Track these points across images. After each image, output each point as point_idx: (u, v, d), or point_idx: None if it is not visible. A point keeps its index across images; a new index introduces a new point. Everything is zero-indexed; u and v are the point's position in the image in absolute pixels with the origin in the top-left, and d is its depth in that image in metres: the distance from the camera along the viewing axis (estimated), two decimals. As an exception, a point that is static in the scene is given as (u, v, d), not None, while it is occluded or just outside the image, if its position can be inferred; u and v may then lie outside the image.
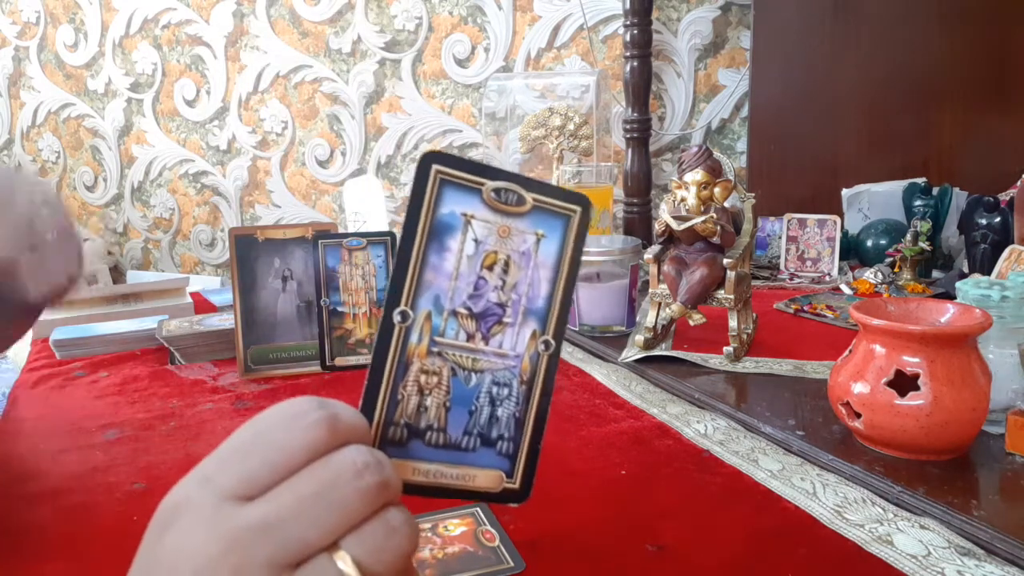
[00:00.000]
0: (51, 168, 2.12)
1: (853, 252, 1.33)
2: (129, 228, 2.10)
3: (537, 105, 1.52)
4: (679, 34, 1.59)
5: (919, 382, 0.57)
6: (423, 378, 0.34)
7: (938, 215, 1.23)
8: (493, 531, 0.52)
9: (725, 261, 0.83)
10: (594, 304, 0.97)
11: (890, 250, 1.21)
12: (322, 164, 1.89)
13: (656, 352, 0.87)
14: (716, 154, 0.88)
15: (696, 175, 0.83)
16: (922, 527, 0.52)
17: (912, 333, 0.58)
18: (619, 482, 0.60)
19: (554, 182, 1.20)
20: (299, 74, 1.85)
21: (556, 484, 0.59)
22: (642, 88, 1.50)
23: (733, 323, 0.84)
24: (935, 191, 1.26)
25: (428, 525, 0.53)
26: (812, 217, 1.27)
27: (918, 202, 1.26)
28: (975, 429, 0.59)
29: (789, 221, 1.28)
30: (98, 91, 2.02)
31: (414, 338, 0.34)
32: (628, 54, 1.49)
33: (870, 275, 1.16)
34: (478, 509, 0.55)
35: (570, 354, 0.93)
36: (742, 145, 1.59)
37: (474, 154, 1.73)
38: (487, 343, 0.35)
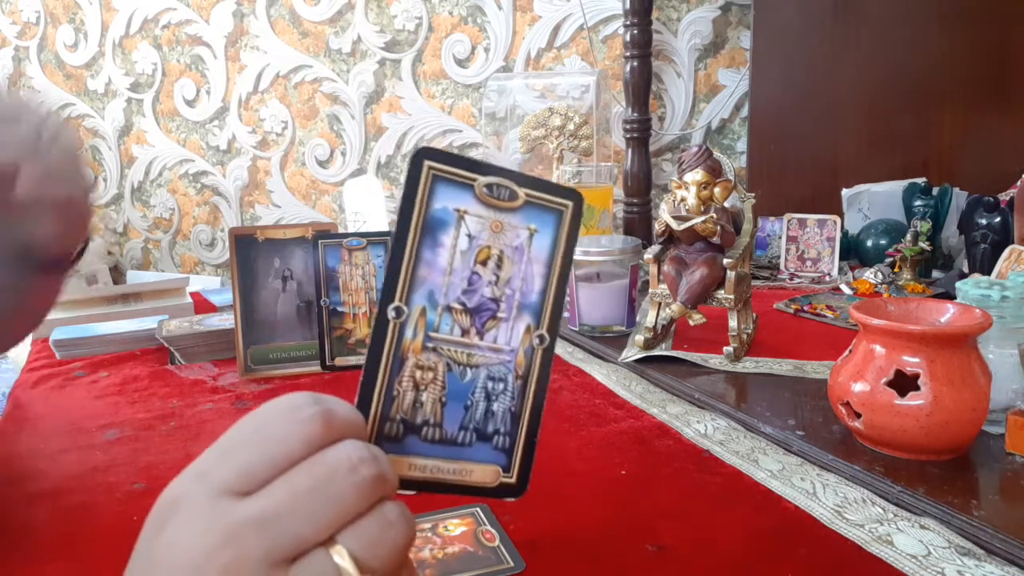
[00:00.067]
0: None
1: (853, 252, 1.33)
2: (129, 228, 2.10)
3: (537, 105, 1.52)
4: (679, 34, 1.59)
5: (919, 382, 0.57)
6: (418, 374, 0.34)
7: (938, 215, 1.23)
8: (493, 531, 0.52)
9: (725, 261, 0.83)
10: (594, 304, 0.97)
11: (890, 250, 1.21)
12: (322, 164, 1.89)
13: (656, 352, 0.87)
14: (716, 154, 0.88)
15: (696, 175, 0.83)
16: (922, 527, 0.52)
17: (912, 333, 0.58)
18: (619, 482, 0.60)
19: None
20: (299, 74, 1.85)
21: (556, 484, 0.59)
22: (642, 88, 1.50)
23: (733, 323, 0.84)
24: (935, 191, 1.26)
25: (428, 525, 0.53)
26: (812, 217, 1.27)
27: (918, 202, 1.26)
28: (975, 429, 0.59)
29: (789, 221, 1.28)
30: (98, 91, 2.02)
31: (409, 334, 0.34)
32: (628, 54, 1.49)
33: (870, 275, 1.16)
34: (478, 509, 0.55)
35: (570, 354, 0.93)
36: (742, 145, 1.59)
37: (474, 154, 1.73)
38: (482, 338, 0.35)
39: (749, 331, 0.90)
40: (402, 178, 1.92)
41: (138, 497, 0.60)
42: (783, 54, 1.47)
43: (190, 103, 1.95)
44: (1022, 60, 1.31)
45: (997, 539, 0.49)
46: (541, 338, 0.36)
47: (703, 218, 0.83)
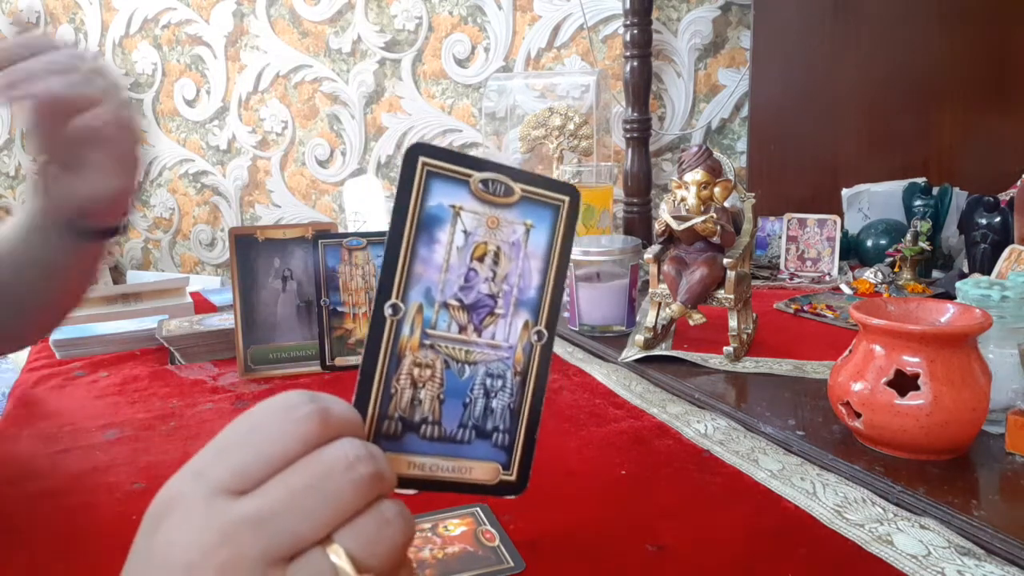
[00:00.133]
0: (51, 168, 2.12)
1: (853, 252, 1.33)
2: (129, 228, 2.10)
3: (537, 105, 1.52)
4: (679, 34, 1.59)
5: (919, 382, 0.57)
6: (416, 371, 0.34)
7: (938, 215, 1.23)
8: (493, 531, 0.52)
9: (725, 261, 0.83)
10: (594, 304, 0.97)
11: (890, 250, 1.21)
12: (322, 164, 1.89)
13: (656, 352, 0.87)
14: (716, 154, 0.88)
15: (696, 175, 0.83)
16: (922, 527, 0.52)
17: (912, 333, 0.58)
18: (619, 482, 0.60)
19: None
20: (299, 74, 1.85)
21: (556, 484, 0.59)
22: (642, 88, 1.50)
23: (733, 323, 0.84)
24: (935, 191, 1.26)
25: (428, 525, 0.53)
26: (812, 217, 1.27)
27: (918, 202, 1.26)
28: (975, 429, 0.59)
29: (789, 221, 1.28)
30: (98, 91, 2.02)
31: (406, 331, 0.33)
32: (628, 54, 1.49)
33: (870, 275, 1.16)
34: (478, 509, 0.55)
35: (570, 354, 0.93)
36: (742, 145, 1.59)
37: (474, 154, 1.73)
38: (480, 335, 0.35)
39: (749, 331, 0.90)
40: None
41: (138, 497, 0.60)
42: (783, 54, 1.47)
43: (190, 103, 1.95)
44: (1022, 60, 1.31)
45: (997, 539, 0.49)
46: (539, 334, 0.35)
47: (703, 218, 0.83)
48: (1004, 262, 0.91)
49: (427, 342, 0.34)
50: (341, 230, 0.90)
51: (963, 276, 0.87)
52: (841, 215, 1.30)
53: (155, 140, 2.01)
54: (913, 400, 0.57)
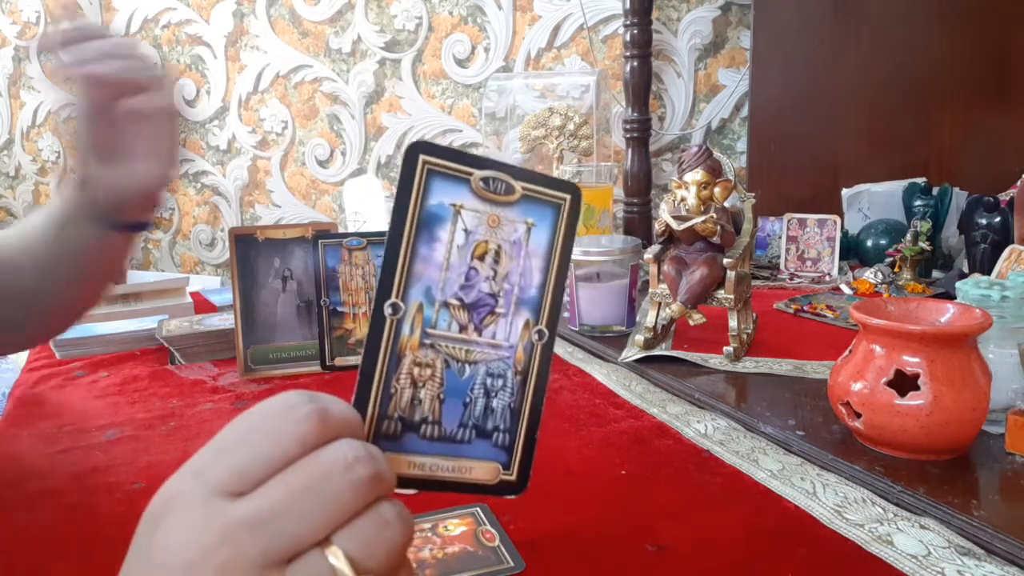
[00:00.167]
0: (51, 168, 2.12)
1: (853, 252, 1.33)
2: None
3: (537, 105, 1.52)
4: (679, 34, 1.59)
5: (919, 382, 0.57)
6: (416, 371, 0.33)
7: (938, 215, 1.23)
8: (493, 531, 0.52)
9: (725, 261, 0.83)
10: (594, 304, 0.97)
11: (890, 250, 1.21)
12: (322, 164, 1.89)
13: (656, 352, 0.87)
14: (716, 154, 0.88)
15: (696, 175, 0.83)
16: (922, 527, 0.52)
17: (912, 333, 0.58)
18: (619, 482, 0.60)
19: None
20: (299, 74, 1.85)
21: (556, 484, 0.59)
22: (642, 88, 1.50)
23: (733, 323, 0.84)
24: (935, 191, 1.26)
25: (428, 525, 0.53)
26: (812, 217, 1.27)
27: (918, 202, 1.26)
28: (975, 429, 0.59)
29: (789, 221, 1.28)
30: (98, 91, 2.02)
31: (406, 330, 0.33)
32: (628, 54, 1.49)
33: (870, 275, 1.16)
34: (478, 509, 0.55)
35: (570, 354, 0.93)
36: (742, 145, 1.59)
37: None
38: (480, 334, 0.34)
39: (749, 331, 0.90)
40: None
41: (138, 497, 0.60)
42: (783, 54, 1.47)
43: (190, 103, 1.95)
44: (1022, 60, 1.31)
45: (997, 539, 0.49)
46: (540, 333, 0.35)
47: (703, 218, 0.83)
48: (1004, 262, 0.91)
49: (427, 341, 0.33)
50: (341, 230, 0.90)
51: (963, 276, 0.87)
52: (841, 215, 1.30)
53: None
54: (913, 400, 0.57)
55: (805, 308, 1.04)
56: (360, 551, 0.27)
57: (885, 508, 0.54)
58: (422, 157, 0.33)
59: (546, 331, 0.35)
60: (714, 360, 0.84)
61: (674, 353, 0.86)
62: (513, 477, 0.35)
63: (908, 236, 1.17)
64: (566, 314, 1.01)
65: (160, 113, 0.58)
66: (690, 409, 0.74)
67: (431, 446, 0.34)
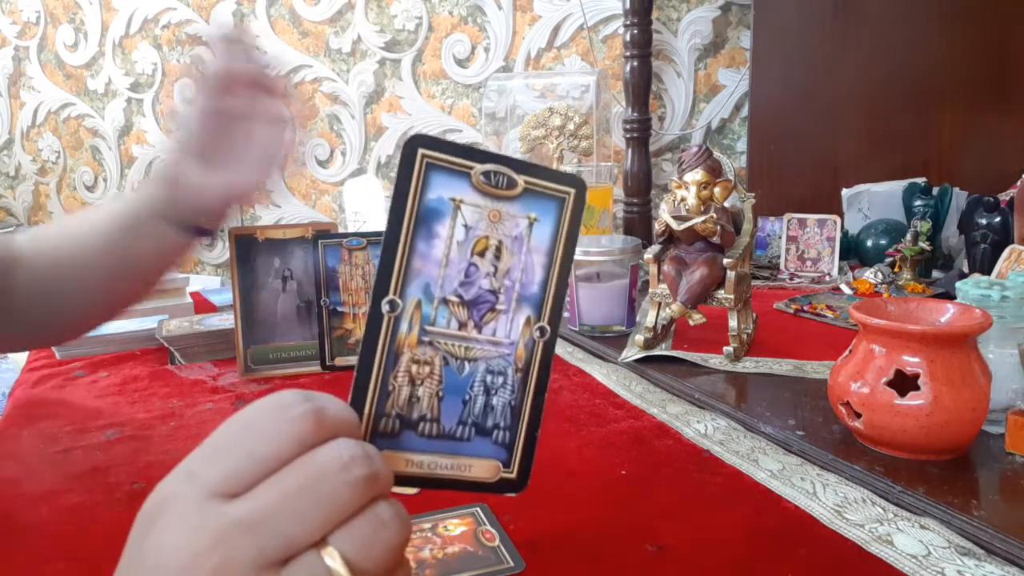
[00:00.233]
0: (51, 168, 2.12)
1: (853, 252, 1.33)
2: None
3: (537, 105, 1.52)
4: (679, 34, 1.59)
5: (919, 382, 0.57)
6: (414, 368, 0.33)
7: (938, 215, 1.23)
8: (493, 531, 0.52)
9: (725, 261, 0.83)
10: (594, 304, 0.97)
11: (890, 250, 1.21)
12: (322, 164, 1.89)
13: (656, 352, 0.87)
14: (716, 154, 0.88)
15: (696, 175, 0.83)
16: (922, 527, 0.52)
17: (912, 333, 0.58)
18: (619, 482, 0.60)
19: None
20: (299, 74, 1.85)
21: (556, 484, 0.59)
22: (642, 88, 1.50)
23: (733, 323, 0.84)
24: (935, 191, 1.26)
25: (428, 525, 0.53)
26: (812, 217, 1.27)
27: (918, 202, 1.26)
28: (975, 429, 0.59)
29: (789, 221, 1.28)
30: (98, 91, 2.02)
31: (404, 328, 0.33)
32: (628, 54, 1.49)
33: (870, 275, 1.16)
34: (478, 509, 0.55)
35: (570, 354, 0.93)
36: (742, 145, 1.59)
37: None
38: (480, 331, 0.34)
39: (749, 331, 0.90)
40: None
41: (138, 497, 0.59)
42: (783, 54, 1.47)
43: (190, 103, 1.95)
44: (1022, 60, 1.31)
45: (997, 539, 0.49)
46: (542, 330, 0.35)
47: (703, 218, 0.83)
48: (1004, 262, 0.91)
49: (425, 339, 0.33)
50: (341, 230, 0.90)
51: (963, 276, 0.87)
52: (841, 215, 1.30)
53: (155, 140, 2.01)
54: (913, 400, 0.57)
55: (805, 308, 1.04)
56: (357, 552, 0.27)
57: (885, 508, 0.54)
58: (421, 151, 0.32)
59: (548, 328, 0.35)
60: (714, 360, 0.84)
61: (674, 353, 0.86)
62: (513, 475, 0.35)
63: (908, 236, 1.17)
64: (566, 314, 1.01)
65: (276, 123, 0.59)
66: (690, 409, 0.74)
67: (429, 444, 0.33)
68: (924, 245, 1.16)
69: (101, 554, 0.52)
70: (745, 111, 1.57)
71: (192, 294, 1.21)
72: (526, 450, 0.35)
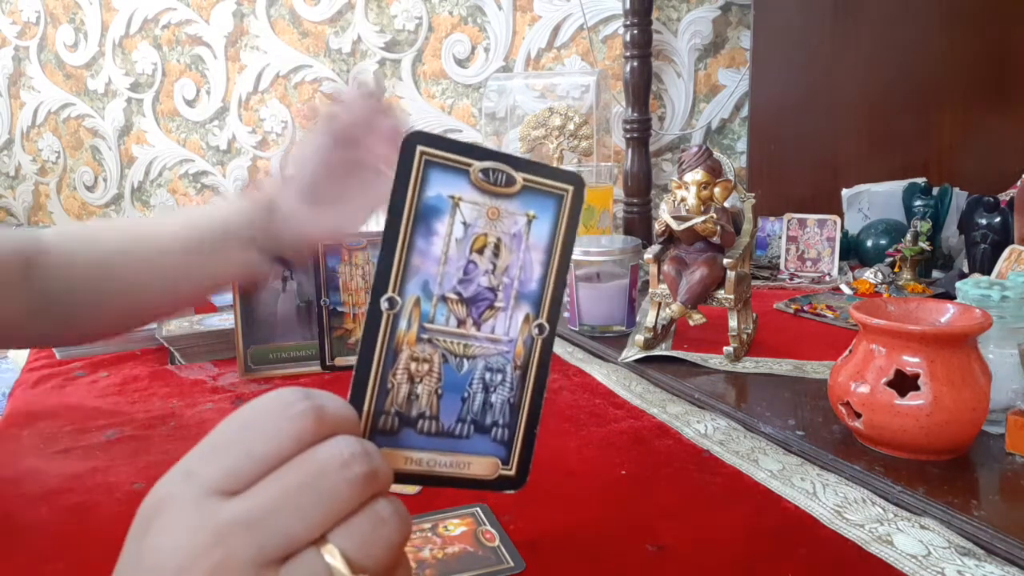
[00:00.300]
0: (51, 168, 2.12)
1: (853, 252, 1.33)
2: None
3: (537, 105, 1.52)
4: (679, 34, 1.59)
5: (919, 382, 0.57)
6: (413, 366, 0.33)
7: (938, 215, 1.23)
8: (493, 531, 0.52)
9: (725, 261, 0.83)
10: (594, 304, 0.97)
11: (890, 250, 1.21)
12: (322, 164, 1.89)
13: (656, 352, 0.87)
14: (716, 154, 0.88)
15: (696, 175, 0.83)
16: (922, 527, 0.52)
17: (912, 333, 0.58)
18: (619, 482, 0.60)
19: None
20: (299, 74, 1.85)
21: (556, 484, 0.59)
22: (642, 88, 1.50)
23: (733, 323, 0.84)
24: (935, 191, 1.26)
25: (428, 525, 0.53)
26: (812, 217, 1.27)
27: (918, 202, 1.26)
28: (975, 429, 0.59)
29: (789, 221, 1.28)
30: (98, 91, 2.02)
31: (403, 325, 0.33)
32: (628, 54, 1.49)
33: (870, 275, 1.16)
34: (478, 509, 0.55)
35: (570, 354, 0.93)
36: (742, 145, 1.59)
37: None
38: (479, 328, 0.34)
39: (749, 331, 0.90)
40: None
41: (138, 497, 0.59)
42: (783, 54, 1.47)
43: (190, 103, 1.95)
44: (1022, 60, 1.31)
45: (997, 539, 0.49)
46: (541, 328, 0.35)
47: (703, 218, 0.83)
48: (1004, 262, 0.91)
49: (424, 336, 0.33)
50: (341, 230, 0.90)
51: (963, 276, 0.87)
52: (841, 215, 1.30)
53: (155, 140, 2.01)
54: (913, 400, 0.57)
55: (805, 308, 1.04)
56: (357, 549, 0.27)
57: (885, 508, 0.54)
58: (419, 148, 0.32)
59: (547, 325, 0.35)
60: (714, 360, 0.84)
61: (674, 353, 0.86)
62: (512, 472, 0.35)
63: (908, 236, 1.17)
64: (566, 314, 1.01)
65: (385, 172, 0.59)
66: (690, 409, 0.74)
67: (428, 441, 0.33)
68: (924, 245, 1.16)
69: (101, 554, 0.52)
70: (745, 111, 1.57)
71: (192, 294, 1.21)
72: (525, 447, 0.35)
